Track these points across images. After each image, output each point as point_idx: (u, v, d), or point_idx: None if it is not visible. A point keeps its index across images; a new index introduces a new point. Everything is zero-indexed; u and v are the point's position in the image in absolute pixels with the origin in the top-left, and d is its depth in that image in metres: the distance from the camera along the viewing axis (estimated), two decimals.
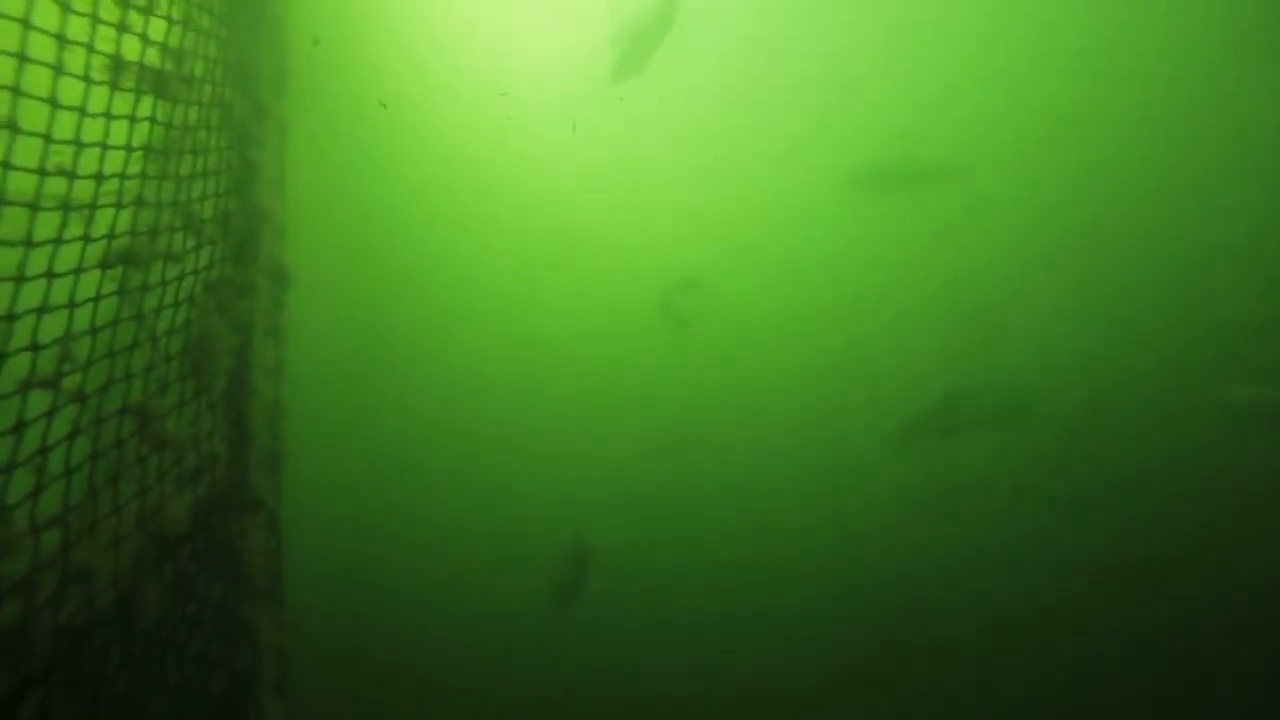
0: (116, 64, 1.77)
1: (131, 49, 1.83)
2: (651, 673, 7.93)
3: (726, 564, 9.11)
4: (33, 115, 1.55)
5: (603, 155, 9.02)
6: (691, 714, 7.64)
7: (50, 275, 1.64)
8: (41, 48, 1.55)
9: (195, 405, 2.21)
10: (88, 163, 1.73)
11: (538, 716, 7.27)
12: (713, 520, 9.31)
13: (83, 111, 1.69)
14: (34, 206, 1.58)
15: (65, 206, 1.67)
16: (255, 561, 2.44)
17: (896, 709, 7.52)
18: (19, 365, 1.60)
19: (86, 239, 1.76)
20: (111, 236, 1.85)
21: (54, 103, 1.60)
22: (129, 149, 1.88)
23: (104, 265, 1.83)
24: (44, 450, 1.64)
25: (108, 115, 1.78)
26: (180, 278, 2.16)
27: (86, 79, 1.69)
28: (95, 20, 1.69)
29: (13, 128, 1.49)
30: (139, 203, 1.96)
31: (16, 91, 1.48)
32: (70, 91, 1.65)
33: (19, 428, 1.57)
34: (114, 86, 1.78)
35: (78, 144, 1.68)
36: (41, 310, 1.62)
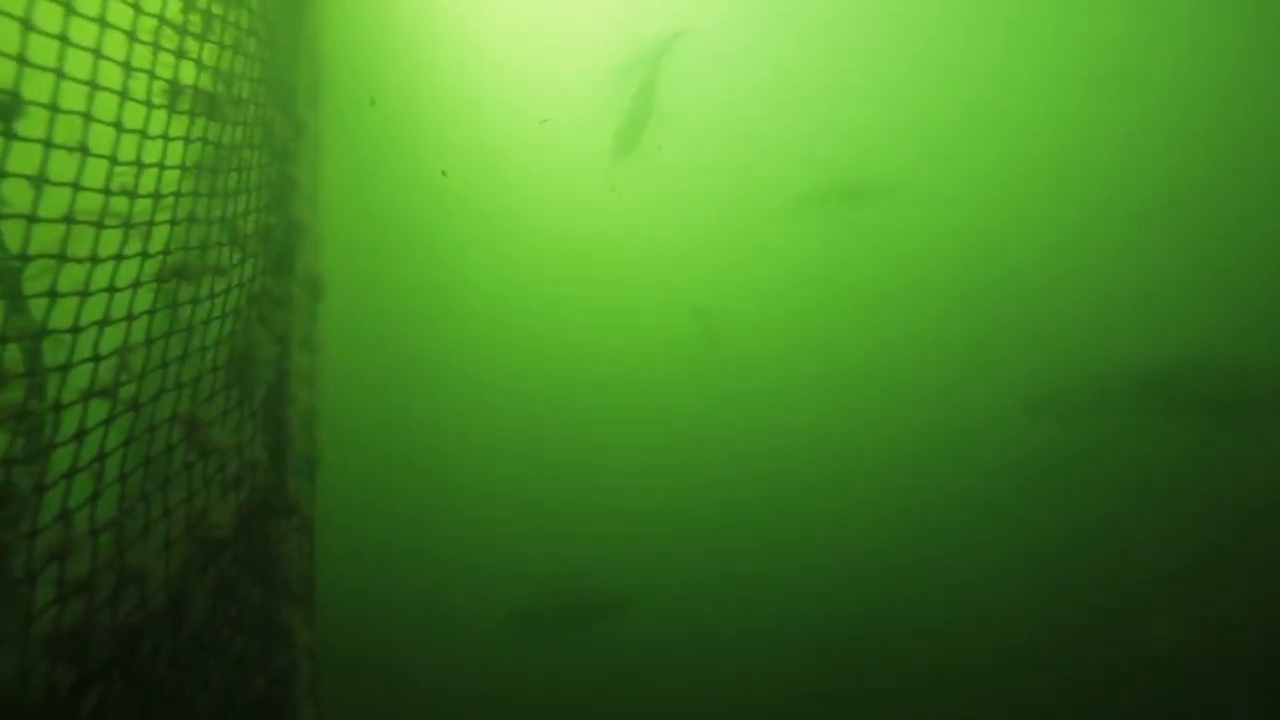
0: (175, 89, 1.86)
1: (188, 74, 1.92)
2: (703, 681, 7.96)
3: (751, 577, 9.18)
4: (100, 138, 1.64)
5: (633, 184, 9.24)
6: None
7: (111, 290, 1.72)
8: (110, 76, 1.63)
9: (238, 413, 2.29)
10: (147, 182, 1.81)
11: None
12: (739, 527, 9.42)
13: (144, 134, 1.78)
14: (99, 224, 1.66)
15: (126, 224, 1.75)
16: (291, 565, 2.51)
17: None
18: (81, 376, 1.68)
19: (144, 255, 1.84)
20: (166, 252, 1.93)
21: (119, 126, 1.68)
22: (183, 168, 1.97)
23: (159, 280, 1.91)
24: (102, 457, 1.71)
25: (165, 137, 1.87)
26: (226, 291, 2.24)
27: (148, 104, 1.77)
28: (157, 48, 1.77)
29: (83, 150, 1.57)
30: (191, 219, 2.04)
31: (88, 117, 1.56)
32: (133, 115, 1.73)
33: (80, 435, 1.65)
34: (172, 110, 1.87)
35: (139, 165, 1.77)
36: (103, 323, 1.70)
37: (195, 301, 2.09)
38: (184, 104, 1.92)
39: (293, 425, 2.58)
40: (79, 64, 1.54)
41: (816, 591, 9.00)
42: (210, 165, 2.13)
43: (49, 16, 1.45)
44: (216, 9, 2.03)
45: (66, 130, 1.52)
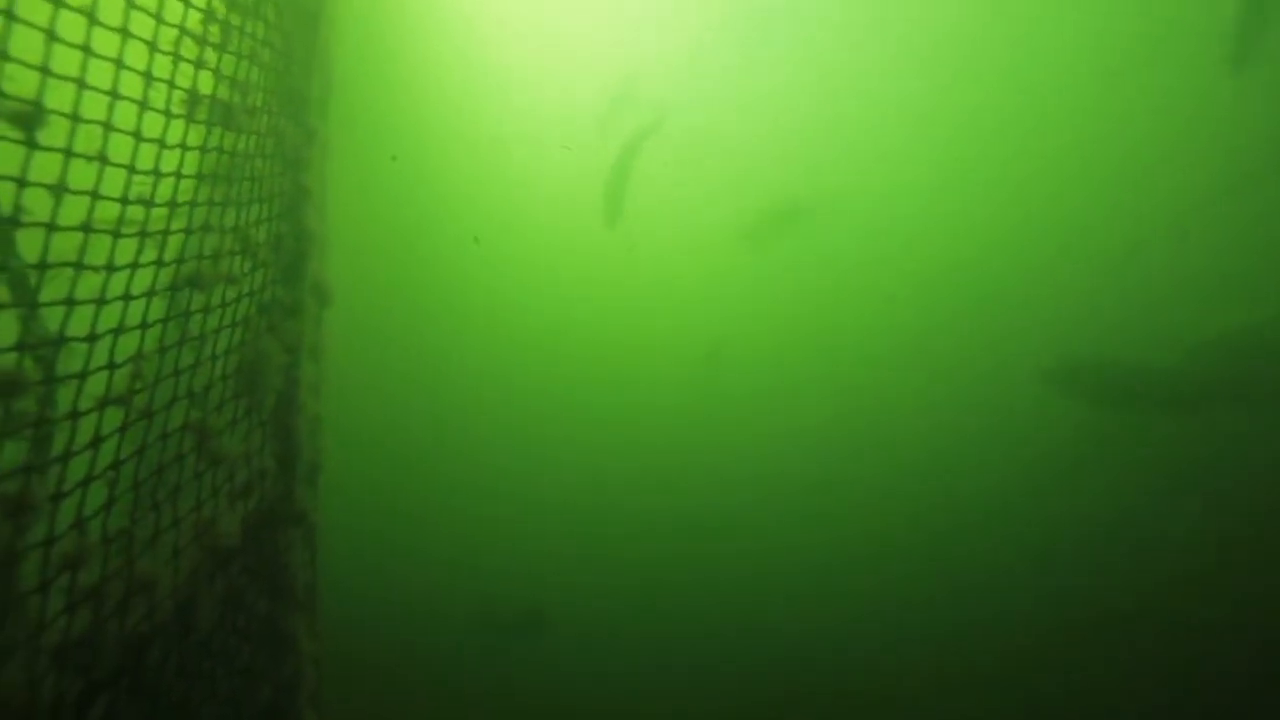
0: (193, 98, 1.87)
1: (206, 83, 1.93)
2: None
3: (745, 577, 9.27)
4: (119, 147, 1.65)
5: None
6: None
7: (127, 298, 1.72)
8: (131, 85, 1.64)
9: (247, 422, 2.28)
10: (163, 191, 1.82)
11: None
12: (737, 529, 9.56)
13: (162, 143, 1.78)
14: (115, 233, 1.67)
15: (143, 233, 1.76)
16: (297, 574, 2.50)
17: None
18: (96, 383, 1.68)
19: (159, 263, 1.85)
20: (180, 261, 1.93)
21: (138, 135, 1.69)
22: (199, 177, 1.98)
23: (173, 288, 1.91)
24: (116, 465, 1.71)
25: (183, 146, 1.87)
26: (237, 299, 2.24)
27: (167, 113, 1.78)
28: (177, 58, 1.78)
29: (102, 159, 1.58)
30: (204, 228, 2.05)
31: (108, 126, 1.57)
32: (152, 124, 1.74)
33: (95, 443, 1.65)
34: (189, 119, 1.88)
35: (156, 173, 1.77)
36: (118, 331, 1.70)
37: (207, 310, 2.09)
38: (201, 113, 1.93)
39: (301, 434, 2.58)
40: (100, 74, 1.55)
41: (825, 595, 9.07)
42: (224, 174, 2.14)
43: (72, 27, 1.46)
44: (235, 20, 2.04)
45: (87, 139, 1.53)
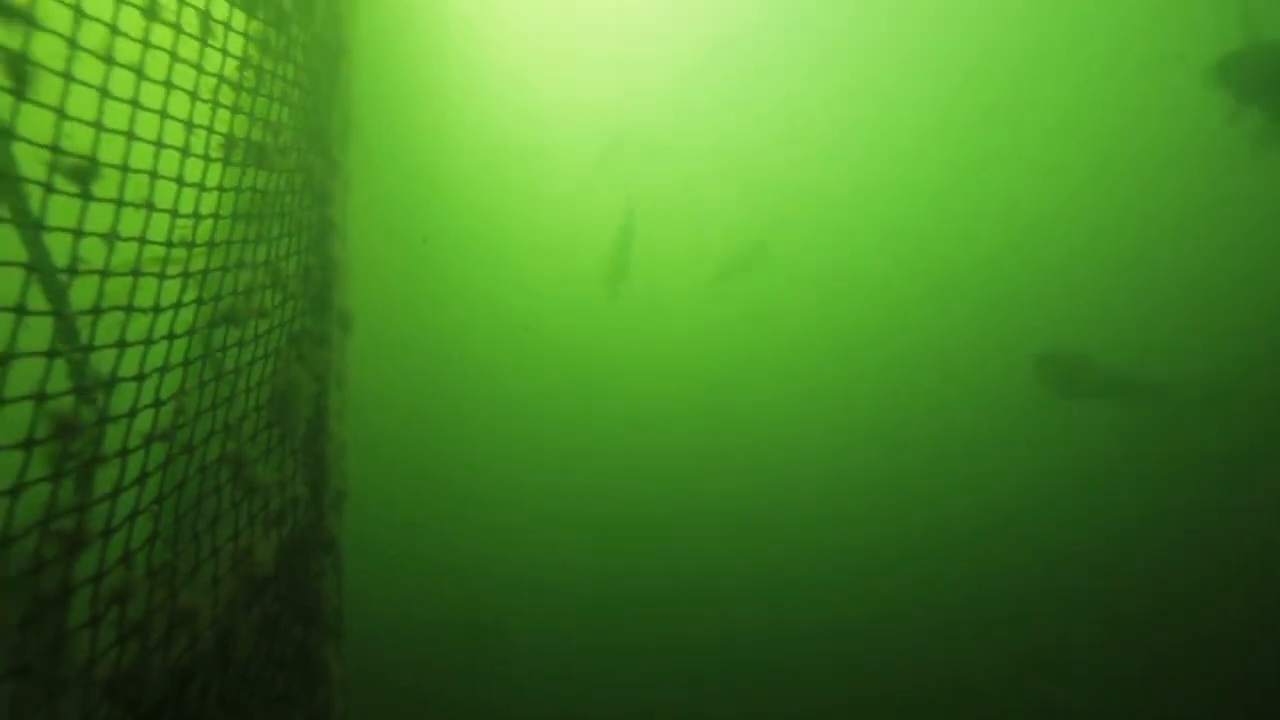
0: (230, 142, 1.94)
1: (241, 127, 2.00)
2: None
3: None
4: (163, 193, 1.71)
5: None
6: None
7: (171, 337, 1.78)
8: (174, 134, 1.71)
9: (280, 451, 2.33)
10: (203, 232, 1.88)
11: None
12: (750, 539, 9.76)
13: (201, 186, 1.85)
14: (161, 275, 1.73)
15: (185, 274, 1.82)
16: (328, 600, 2.54)
17: None
18: (143, 421, 1.73)
19: (199, 301, 1.91)
20: (218, 298, 1.99)
21: (180, 181, 1.75)
22: (235, 217, 2.04)
23: (212, 325, 1.97)
24: (160, 499, 1.76)
25: (220, 188, 1.94)
26: (269, 332, 2.30)
27: (206, 157, 1.85)
28: (215, 105, 1.85)
29: (149, 206, 1.64)
30: (239, 265, 2.11)
31: (154, 175, 1.63)
32: (193, 169, 1.81)
33: (142, 479, 1.70)
34: (226, 162, 1.95)
35: (196, 216, 1.84)
36: (163, 369, 1.76)
37: (241, 344, 2.15)
38: (237, 155, 1.99)
39: (330, 460, 2.63)
40: (147, 125, 1.62)
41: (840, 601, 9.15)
42: (257, 212, 2.20)
43: (122, 82, 1.53)
44: (268, 65, 2.11)
45: (135, 188, 1.59)
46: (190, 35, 1.74)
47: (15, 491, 1.31)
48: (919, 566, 9.67)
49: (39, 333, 1.43)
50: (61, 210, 1.41)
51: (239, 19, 1.94)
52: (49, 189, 1.36)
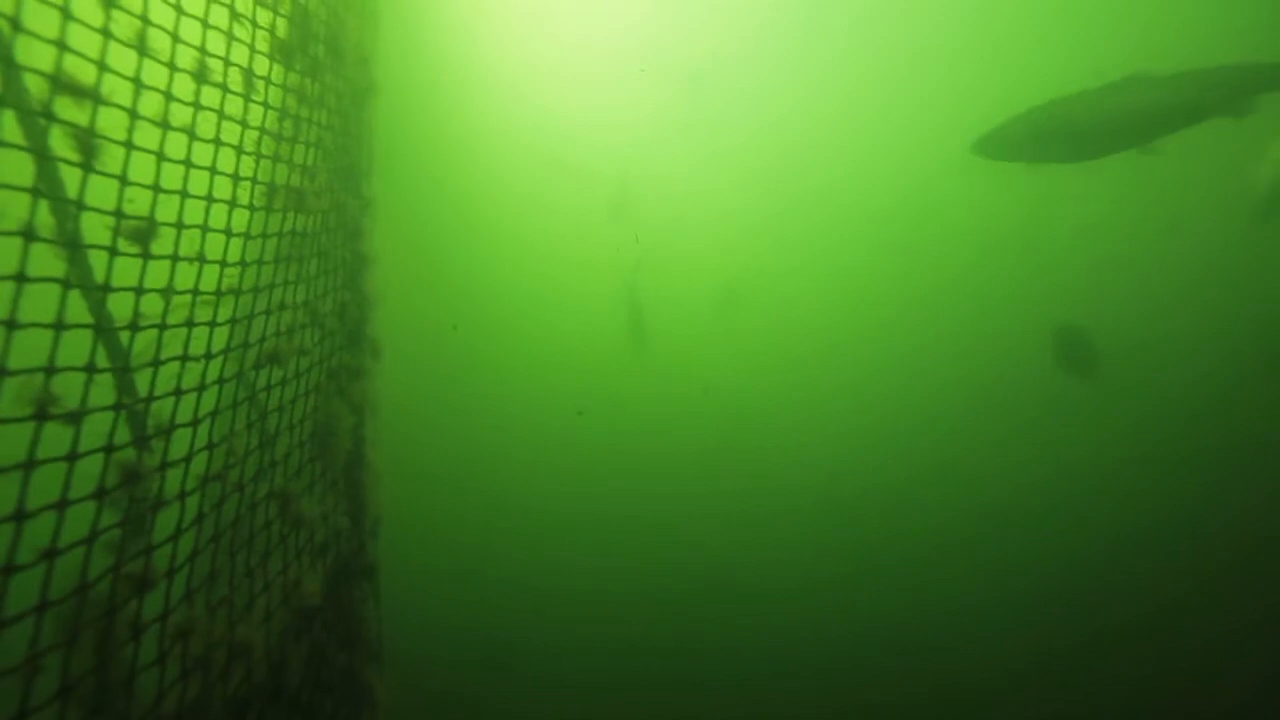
0: (271, 190, 2.02)
1: (281, 175, 2.08)
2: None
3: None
4: (214, 245, 1.79)
5: None
6: None
7: (221, 382, 1.85)
8: (222, 188, 1.79)
9: (322, 483, 2.41)
10: (249, 279, 1.96)
11: None
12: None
13: (247, 235, 1.93)
14: (212, 324, 1.80)
15: (233, 321, 1.90)
16: (370, 626, 2.60)
17: None
18: (199, 463, 1.81)
19: (245, 345, 1.99)
20: (262, 340, 2.07)
21: (228, 232, 1.83)
22: (277, 261, 2.12)
23: (257, 366, 2.05)
24: (216, 537, 1.84)
25: (264, 235, 2.02)
26: (309, 369, 2.38)
27: (250, 207, 1.93)
28: (259, 156, 1.93)
29: (201, 259, 1.72)
30: (281, 307, 2.19)
31: (205, 229, 1.72)
32: (239, 220, 1.89)
33: (200, 519, 1.77)
34: (269, 210, 2.03)
35: (243, 264, 1.92)
36: (214, 414, 1.83)
37: (284, 383, 2.23)
38: (278, 202, 2.08)
39: (368, 490, 2.70)
40: (198, 181, 1.70)
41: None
42: (297, 254, 2.28)
43: (176, 145, 1.61)
44: (304, 113, 2.20)
45: (189, 243, 1.67)
46: (235, 93, 1.82)
47: (91, 540, 1.39)
48: (922, 568, 9.75)
49: (104, 388, 1.50)
50: (120, 269, 1.48)
51: (278, 73, 2.03)
52: (113, 252, 1.44)
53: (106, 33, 1.43)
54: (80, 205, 1.35)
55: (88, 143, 1.33)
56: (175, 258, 1.63)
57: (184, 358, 1.66)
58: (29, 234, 1.23)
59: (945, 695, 7.77)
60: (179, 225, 1.63)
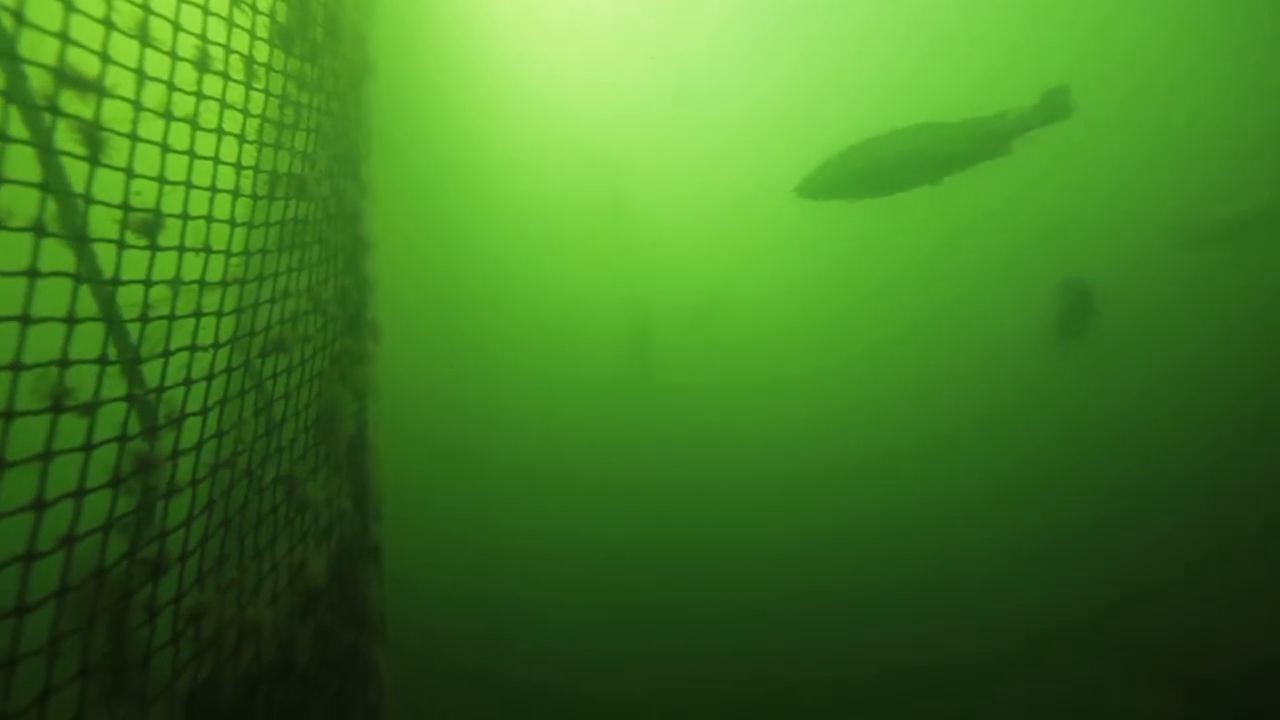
0: (273, 179, 2.02)
1: (283, 163, 2.09)
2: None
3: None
4: (219, 235, 1.80)
5: None
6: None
7: (229, 370, 1.88)
8: (225, 178, 1.80)
9: (326, 467, 2.44)
10: (253, 268, 1.97)
11: None
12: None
13: (250, 224, 1.94)
14: (219, 314, 1.82)
15: (239, 310, 1.92)
16: (375, 605, 2.66)
17: None
18: (209, 451, 1.84)
19: (251, 333, 2.01)
20: (268, 329, 2.09)
21: (232, 221, 1.84)
22: (280, 249, 2.13)
23: (263, 354, 2.07)
24: (226, 523, 1.88)
25: (267, 224, 2.03)
26: (313, 355, 2.40)
27: (254, 196, 1.94)
28: (261, 145, 1.94)
29: (207, 250, 1.73)
30: (284, 294, 2.20)
31: (209, 219, 1.73)
32: (242, 209, 1.90)
33: (210, 505, 1.81)
34: (271, 198, 2.03)
35: (247, 253, 1.93)
36: (223, 402, 1.86)
37: (289, 370, 2.25)
38: (280, 190, 2.08)
39: (371, 472, 2.74)
40: (202, 172, 1.71)
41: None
42: (299, 241, 2.29)
43: (179, 136, 1.62)
44: (304, 98, 2.19)
45: (194, 234, 1.69)
46: (237, 81, 1.82)
47: (108, 527, 1.42)
48: (918, 549, 9.92)
49: (115, 379, 1.53)
50: (126, 261, 1.50)
51: (278, 58, 2.02)
52: (121, 245, 1.46)
53: (109, 23, 1.43)
54: (88, 199, 1.36)
55: (93, 136, 1.34)
56: (181, 249, 1.64)
57: (192, 348, 1.69)
58: (40, 230, 1.25)
59: (941, 673, 7.91)
60: (184, 216, 1.64)
